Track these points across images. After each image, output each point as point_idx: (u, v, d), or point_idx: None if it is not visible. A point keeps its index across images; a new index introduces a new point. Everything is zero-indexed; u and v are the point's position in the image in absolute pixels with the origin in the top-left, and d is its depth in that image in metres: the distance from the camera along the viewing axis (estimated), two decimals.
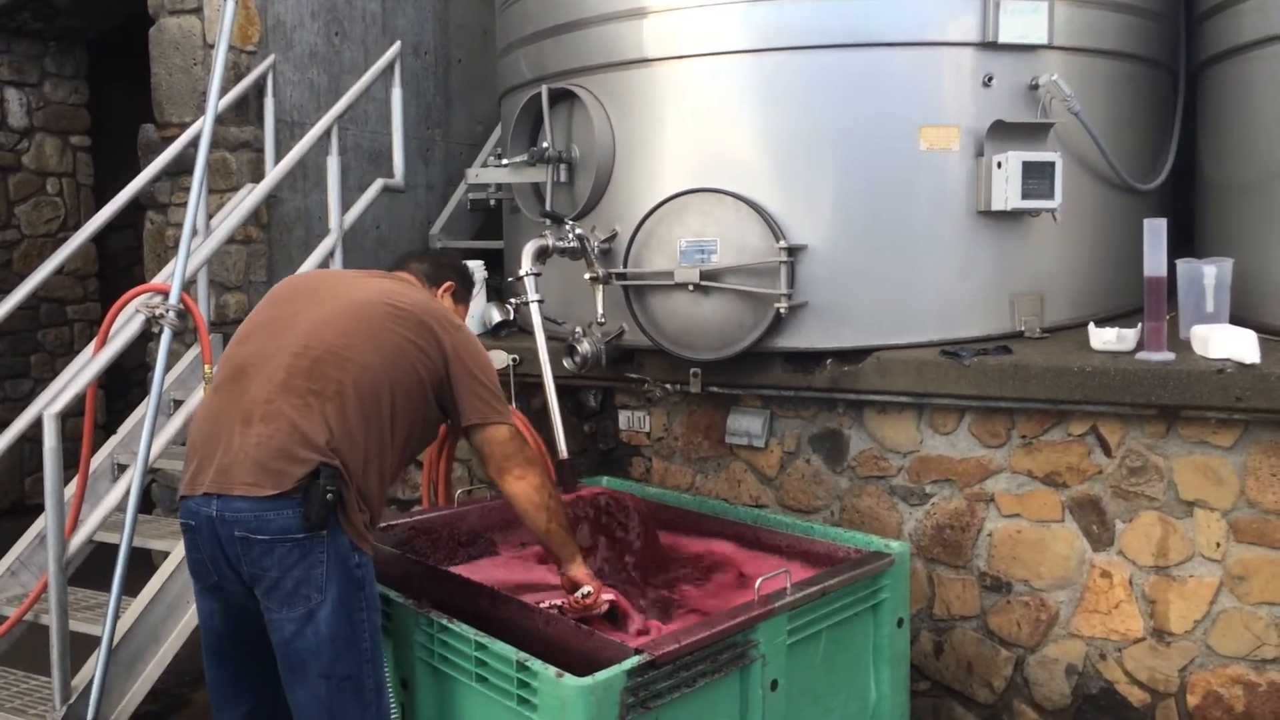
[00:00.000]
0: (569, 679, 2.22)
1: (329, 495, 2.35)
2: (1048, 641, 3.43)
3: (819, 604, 2.75)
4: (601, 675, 2.23)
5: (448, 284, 2.99)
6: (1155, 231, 3.26)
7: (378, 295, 2.64)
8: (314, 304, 2.62)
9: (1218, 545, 3.18)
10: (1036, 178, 3.50)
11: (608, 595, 2.76)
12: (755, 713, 2.58)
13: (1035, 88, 3.66)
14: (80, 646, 3.48)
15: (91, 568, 3.96)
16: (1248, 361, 3.08)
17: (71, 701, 3.37)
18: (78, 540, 3.54)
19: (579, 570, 2.75)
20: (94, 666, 3.41)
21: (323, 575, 2.39)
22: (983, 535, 3.51)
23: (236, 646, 2.57)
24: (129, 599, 3.63)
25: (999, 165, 3.52)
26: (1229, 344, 3.15)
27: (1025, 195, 3.51)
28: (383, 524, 3.26)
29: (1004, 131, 3.56)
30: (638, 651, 2.31)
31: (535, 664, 2.30)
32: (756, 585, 2.63)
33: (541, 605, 2.62)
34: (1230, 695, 3.19)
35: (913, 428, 3.61)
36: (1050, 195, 3.53)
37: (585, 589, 2.71)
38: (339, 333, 2.53)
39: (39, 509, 3.71)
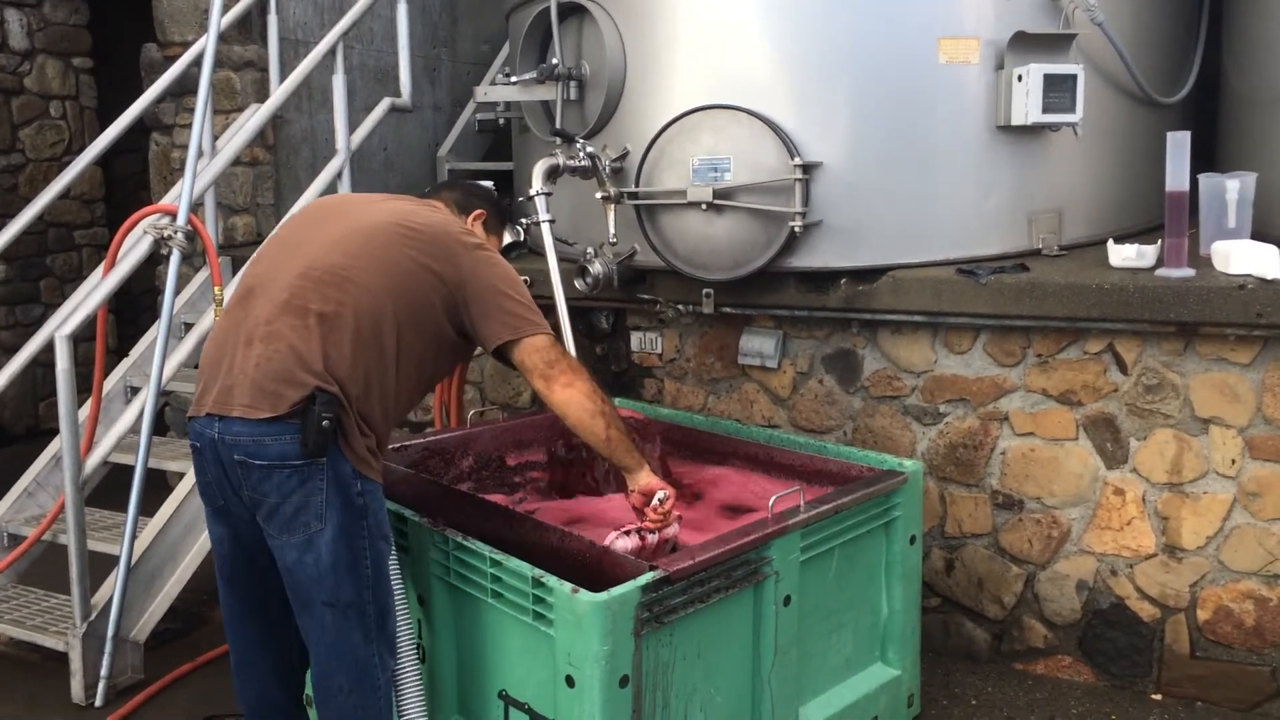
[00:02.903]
0: (584, 594, 2.24)
1: (325, 422, 2.30)
2: (1059, 558, 3.44)
3: (832, 521, 2.76)
4: (617, 590, 2.25)
5: (478, 212, 2.87)
6: (1178, 145, 3.19)
7: (392, 216, 2.56)
8: (328, 225, 2.56)
9: (1233, 462, 3.17)
10: (1058, 91, 3.42)
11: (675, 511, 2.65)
12: (768, 628, 2.60)
13: None
14: (99, 566, 3.53)
15: (108, 489, 4.00)
16: (1269, 277, 3.04)
17: (92, 619, 3.43)
18: (93, 461, 3.57)
19: (650, 477, 2.63)
20: (113, 585, 3.46)
21: (322, 502, 2.35)
22: (995, 454, 3.50)
23: (247, 572, 2.56)
24: (146, 519, 3.67)
25: (1019, 78, 3.44)
26: (1250, 259, 3.10)
27: (1046, 109, 3.42)
28: (396, 445, 3.28)
29: (1025, 43, 3.47)
30: (652, 567, 2.32)
31: (550, 580, 2.32)
32: (770, 503, 2.63)
33: (623, 530, 2.55)
34: (1241, 610, 3.20)
35: (927, 347, 3.58)
36: (1071, 109, 3.45)
37: (661, 493, 2.59)
38: (345, 254, 2.46)
39: (53, 433, 3.74)
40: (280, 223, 2.78)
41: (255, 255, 2.65)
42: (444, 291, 2.52)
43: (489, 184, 4.57)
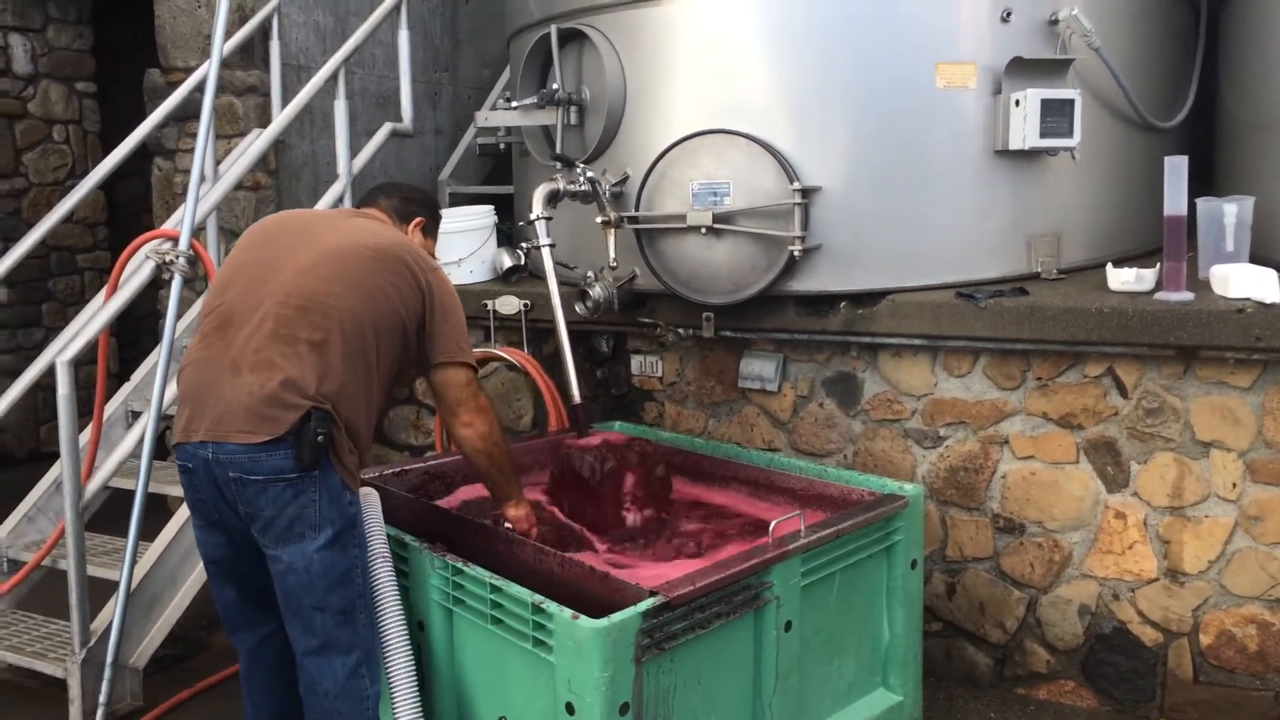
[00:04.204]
0: (584, 621, 2.23)
1: (320, 437, 2.43)
2: (1060, 582, 3.43)
3: (833, 546, 2.75)
4: (617, 617, 2.24)
5: (417, 220, 3.02)
6: (1175, 169, 3.20)
7: (357, 238, 2.68)
8: (294, 250, 2.65)
9: (1234, 486, 3.16)
10: (1055, 116, 3.44)
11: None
12: (769, 654, 2.59)
13: (1055, 23, 3.58)
14: (98, 591, 3.52)
15: (108, 514, 3.99)
16: (1268, 301, 3.05)
17: (91, 645, 3.41)
18: (93, 486, 3.56)
19: (512, 510, 2.90)
20: (112, 610, 3.45)
21: (316, 513, 2.47)
22: (996, 477, 3.50)
23: (247, 569, 2.64)
24: (146, 544, 3.66)
25: (1017, 103, 3.45)
26: (1249, 283, 3.11)
27: (1044, 134, 3.44)
28: (397, 469, 3.28)
29: (1022, 68, 3.49)
30: (653, 593, 2.31)
31: (551, 606, 2.31)
32: (771, 528, 2.63)
33: None
34: (1244, 635, 3.19)
35: (927, 370, 3.58)
36: (1069, 134, 3.46)
37: (508, 527, 2.88)
38: (321, 280, 2.57)
39: (54, 457, 3.73)
40: (237, 244, 2.80)
41: (220, 281, 2.69)
42: (409, 309, 2.68)
43: (488, 208, 4.60)
